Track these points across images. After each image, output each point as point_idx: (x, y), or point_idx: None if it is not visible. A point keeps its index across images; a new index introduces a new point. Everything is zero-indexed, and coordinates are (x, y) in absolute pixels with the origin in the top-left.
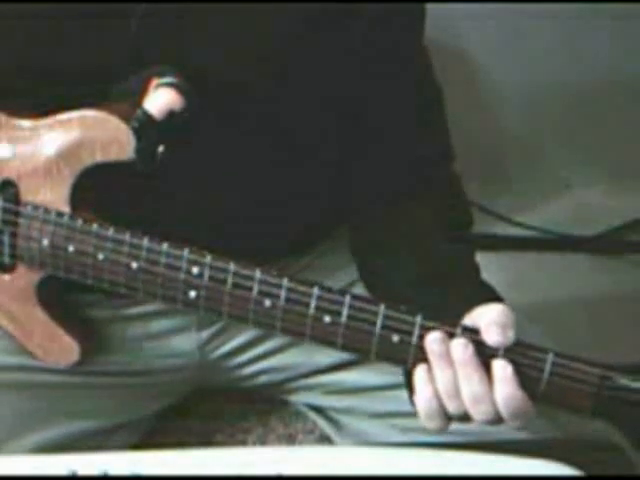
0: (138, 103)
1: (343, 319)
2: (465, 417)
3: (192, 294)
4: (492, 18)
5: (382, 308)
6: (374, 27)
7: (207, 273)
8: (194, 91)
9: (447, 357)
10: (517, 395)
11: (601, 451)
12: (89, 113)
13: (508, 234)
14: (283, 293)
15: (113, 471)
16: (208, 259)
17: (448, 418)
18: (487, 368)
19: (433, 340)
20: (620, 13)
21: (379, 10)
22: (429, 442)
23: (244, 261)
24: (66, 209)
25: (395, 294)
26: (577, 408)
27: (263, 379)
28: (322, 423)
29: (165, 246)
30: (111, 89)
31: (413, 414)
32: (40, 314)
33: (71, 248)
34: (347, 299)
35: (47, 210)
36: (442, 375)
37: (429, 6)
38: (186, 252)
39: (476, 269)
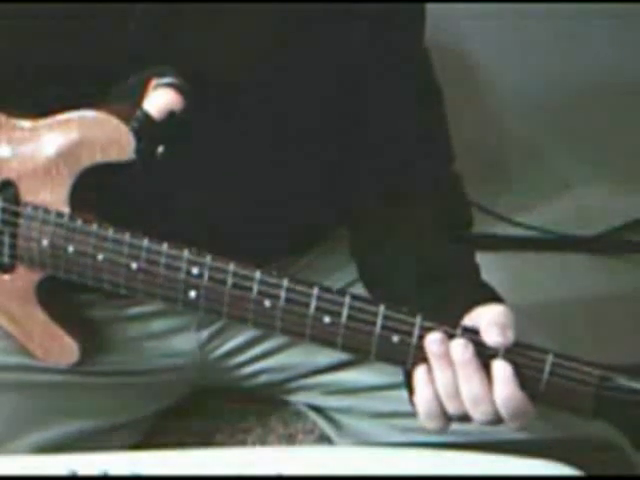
0: (138, 103)
1: (343, 319)
2: (465, 417)
3: (192, 294)
4: (492, 18)
5: (382, 308)
6: (374, 27)
7: (207, 273)
8: (193, 91)
9: (447, 358)
10: (517, 396)
11: (601, 451)
12: (89, 113)
13: (508, 234)
14: (283, 293)
15: (113, 471)
16: (208, 259)
17: (448, 419)
18: (487, 369)
19: (433, 341)
20: (620, 13)
21: (379, 10)
22: (429, 442)
23: (244, 261)
24: (66, 209)
25: (395, 294)
26: (577, 408)
27: (263, 379)
28: (322, 423)
29: (165, 246)
30: (111, 89)
31: (413, 414)
32: (40, 314)
33: (71, 248)
34: (347, 299)
35: (47, 210)
36: (442, 376)
37: (429, 6)
38: (186, 252)
39: (476, 269)
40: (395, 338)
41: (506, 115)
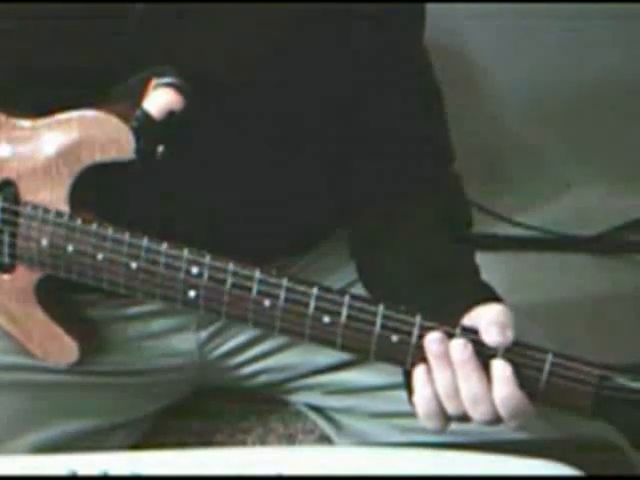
0: (137, 103)
1: (342, 319)
2: (464, 417)
3: (191, 294)
4: (492, 18)
5: (381, 308)
6: (374, 27)
7: (206, 273)
8: (193, 91)
9: (446, 357)
10: (516, 395)
11: (601, 451)
12: (88, 113)
13: (508, 234)
14: (282, 293)
15: (113, 471)
16: (207, 259)
17: (447, 418)
18: (486, 368)
19: (432, 340)
20: (620, 13)
21: (379, 10)
22: (429, 442)
23: (244, 261)
24: (65, 209)
25: (394, 294)
26: (576, 408)
27: (263, 379)
28: (322, 423)
29: (164, 246)
30: (110, 89)
31: (413, 414)
32: (39, 314)
33: (70, 248)
34: (346, 299)
35: (46, 210)
36: (441, 375)
37: (429, 6)
38: (185, 252)
39: (476, 269)
40: (394, 338)
41: (506, 115)
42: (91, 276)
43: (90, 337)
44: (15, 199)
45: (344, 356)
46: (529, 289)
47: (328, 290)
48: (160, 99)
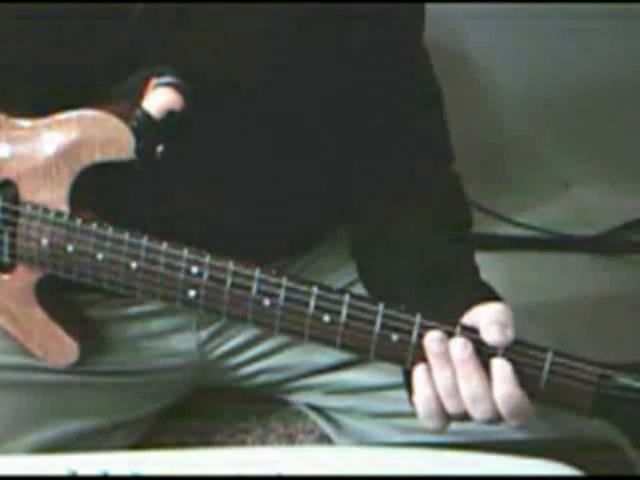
0: (137, 103)
1: (342, 319)
2: (464, 416)
3: (191, 293)
4: (492, 18)
5: (381, 307)
6: (374, 27)
7: (206, 272)
8: (193, 91)
9: (446, 356)
10: (516, 394)
11: (601, 451)
12: (88, 113)
13: (508, 234)
14: (282, 292)
15: (113, 471)
16: (207, 258)
17: (447, 418)
18: (486, 367)
19: (432, 339)
20: (620, 13)
21: (379, 10)
22: (429, 442)
23: (244, 261)
24: (65, 209)
25: (394, 293)
26: (576, 407)
27: (263, 379)
28: (322, 423)
29: (164, 245)
30: (110, 89)
31: (413, 414)
32: (39, 314)
33: (70, 248)
34: (346, 298)
35: (46, 210)
36: (441, 374)
37: (429, 6)
38: (185, 251)
39: (475, 269)
40: (394, 337)
41: (506, 115)
42: (91, 276)
43: (90, 337)
44: (15, 199)
45: (344, 356)
46: (529, 289)
47: (328, 289)
48: (160, 99)
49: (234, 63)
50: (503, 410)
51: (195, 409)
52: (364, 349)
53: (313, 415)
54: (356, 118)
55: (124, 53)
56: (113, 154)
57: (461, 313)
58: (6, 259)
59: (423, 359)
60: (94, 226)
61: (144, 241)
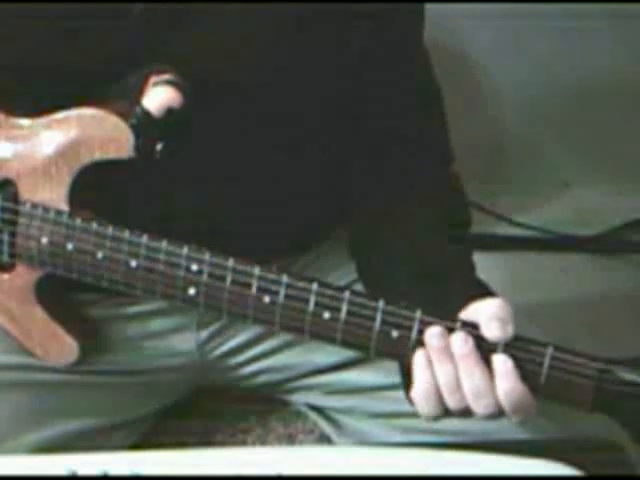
0: (136, 101)
1: (342, 315)
2: (466, 412)
3: (191, 291)
4: (492, 18)
5: (381, 304)
6: (374, 27)
7: (206, 270)
8: (192, 89)
9: (447, 351)
10: (519, 389)
11: (601, 451)
12: (87, 111)
13: (508, 234)
14: (282, 289)
15: (113, 471)
16: (207, 256)
17: (445, 409)
18: (487, 363)
19: (433, 334)
20: (620, 13)
21: (379, 10)
22: (429, 442)
23: (244, 259)
24: (65, 207)
25: (393, 293)
26: (577, 402)
27: (263, 379)
28: (322, 423)
29: (164, 243)
30: (109, 88)
31: (413, 414)
32: (39, 313)
33: (70, 246)
34: (346, 295)
35: (46, 209)
36: (442, 370)
37: (429, 6)
38: (185, 249)
39: (473, 268)
40: (395, 333)
41: (506, 115)
42: (91, 274)
43: (90, 336)
44: (15, 198)
45: (344, 356)
46: (529, 289)
47: (328, 286)
48: (159, 96)
49: (234, 63)
50: (506, 405)
51: (195, 409)
52: (364, 346)
53: (313, 415)
54: (356, 118)
55: (124, 53)
56: (112, 152)
57: (459, 310)
58: (6, 258)
59: None
60: (94, 225)
61: (144, 239)
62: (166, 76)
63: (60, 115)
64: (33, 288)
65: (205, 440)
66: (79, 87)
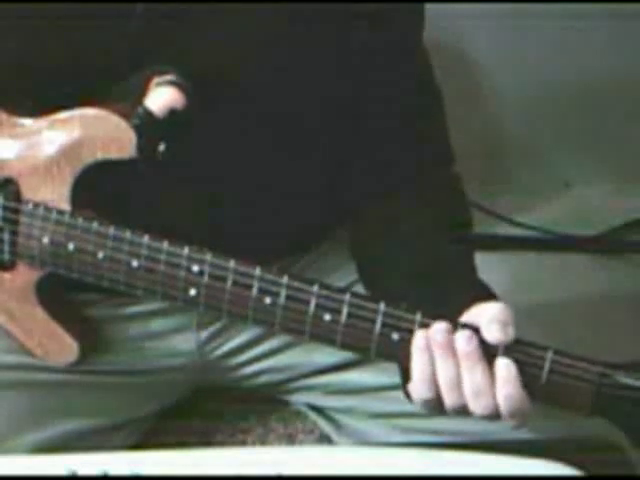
0: (139, 101)
1: (343, 317)
2: (463, 411)
3: (192, 292)
4: (492, 18)
5: (382, 306)
6: (374, 27)
7: (207, 271)
8: (194, 89)
9: (451, 348)
10: (519, 395)
11: (601, 451)
12: (90, 111)
13: (508, 234)
14: (283, 291)
15: (113, 471)
16: (208, 257)
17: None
18: (489, 364)
19: (438, 330)
20: (620, 13)
21: (379, 10)
22: (429, 442)
23: (244, 260)
24: (67, 207)
25: (394, 294)
26: (576, 406)
27: (263, 379)
28: (322, 423)
29: (165, 244)
30: (112, 88)
31: (413, 414)
32: (40, 313)
33: (71, 246)
34: (347, 297)
35: (48, 208)
36: (444, 366)
37: (429, 6)
38: (186, 250)
39: (474, 269)
40: (395, 335)
41: (506, 115)
42: (92, 274)
43: (90, 336)
44: (16, 197)
45: (344, 356)
46: (529, 289)
47: (329, 288)
48: (161, 97)
49: (234, 63)
50: (504, 409)
51: (195, 409)
52: (365, 348)
53: (313, 415)
54: (356, 118)
55: (125, 53)
56: (115, 153)
57: (461, 312)
58: (7, 257)
59: None
60: (95, 224)
61: (145, 239)
62: (168, 77)
63: (62, 115)
64: (34, 288)
65: (205, 440)
66: (81, 87)
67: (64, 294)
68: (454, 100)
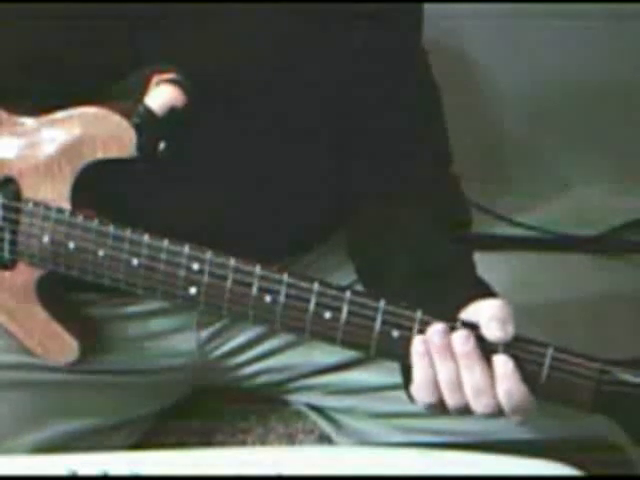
0: (139, 100)
1: (343, 315)
2: (465, 410)
3: (192, 290)
4: (492, 18)
5: (382, 304)
6: (373, 27)
7: (207, 269)
8: (194, 90)
9: (449, 349)
10: (519, 390)
11: (601, 451)
12: (90, 110)
13: (508, 234)
14: (283, 289)
15: (113, 471)
16: (208, 255)
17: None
18: (488, 363)
19: (435, 332)
20: (620, 13)
21: (378, 10)
22: (429, 442)
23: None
24: (67, 206)
25: (393, 293)
26: (576, 403)
27: (263, 379)
28: (322, 423)
29: (165, 242)
30: (112, 86)
31: (413, 414)
32: (40, 312)
33: (71, 245)
34: (347, 295)
35: (48, 207)
36: (444, 367)
37: (429, 6)
38: (186, 248)
39: (473, 267)
40: (395, 333)
41: (506, 115)
42: (92, 273)
43: (90, 336)
44: (16, 196)
45: (345, 356)
46: (529, 289)
47: (329, 286)
48: (162, 95)
49: (235, 63)
50: (505, 405)
51: (195, 409)
52: (365, 345)
53: (313, 415)
54: (355, 119)
55: (125, 52)
56: (115, 151)
57: (459, 309)
58: (7, 256)
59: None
60: (95, 223)
61: (145, 238)
62: (169, 75)
63: (63, 114)
64: (34, 287)
65: (205, 440)
66: (81, 86)
67: (64, 293)
68: (454, 100)
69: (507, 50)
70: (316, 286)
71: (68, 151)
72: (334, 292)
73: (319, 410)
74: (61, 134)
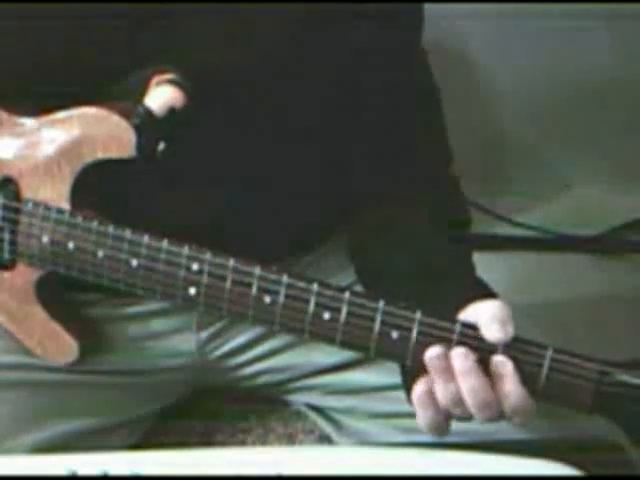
0: (139, 101)
1: (342, 316)
2: (468, 417)
3: (192, 291)
4: (492, 18)
5: (381, 304)
6: (373, 27)
7: (207, 270)
8: (194, 90)
9: (449, 371)
10: (518, 391)
11: (601, 451)
12: (90, 110)
13: (508, 234)
14: (283, 290)
15: (113, 471)
16: (208, 256)
17: (448, 423)
18: (487, 364)
19: (433, 356)
20: (620, 13)
21: (378, 10)
22: (429, 442)
23: (244, 259)
24: (66, 206)
25: (392, 294)
26: (576, 404)
27: (263, 379)
28: (322, 423)
29: (165, 243)
30: (112, 87)
31: (413, 414)
32: (40, 312)
33: (71, 245)
34: (346, 296)
35: (47, 207)
36: (446, 389)
37: (429, 6)
38: (186, 249)
39: (472, 268)
40: (395, 334)
41: (506, 115)
42: (92, 273)
43: (90, 336)
44: (16, 196)
45: (345, 356)
46: (529, 289)
47: (328, 286)
48: (161, 95)
49: (234, 63)
50: (505, 407)
51: (195, 409)
52: (364, 346)
53: (313, 415)
54: (355, 118)
55: (125, 52)
56: (115, 152)
57: (460, 310)
58: (7, 257)
59: (423, 355)
60: (95, 223)
61: (145, 238)
62: (168, 76)
63: (62, 114)
64: (33, 287)
65: (205, 440)
66: (81, 87)
67: (64, 294)
68: (454, 100)
69: (507, 50)
70: (315, 287)
71: (68, 151)
72: (333, 293)
73: (319, 410)
74: (61, 134)
